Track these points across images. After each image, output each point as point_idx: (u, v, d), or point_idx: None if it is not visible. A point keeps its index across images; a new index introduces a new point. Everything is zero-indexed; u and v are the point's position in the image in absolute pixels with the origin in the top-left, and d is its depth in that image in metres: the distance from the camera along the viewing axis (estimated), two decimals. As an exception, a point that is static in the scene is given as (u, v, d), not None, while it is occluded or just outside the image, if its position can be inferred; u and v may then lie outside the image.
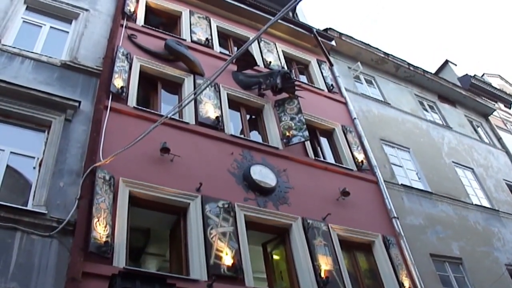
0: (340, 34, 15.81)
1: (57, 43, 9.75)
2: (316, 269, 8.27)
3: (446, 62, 23.20)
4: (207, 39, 12.12)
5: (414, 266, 9.68)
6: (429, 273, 10.18)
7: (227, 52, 12.63)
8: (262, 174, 9.31)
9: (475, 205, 13.54)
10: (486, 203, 14.15)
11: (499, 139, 18.77)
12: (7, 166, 7.23)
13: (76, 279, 5.97)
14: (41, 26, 10.01)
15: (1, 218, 6.27)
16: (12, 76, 8.18)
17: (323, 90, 13.35)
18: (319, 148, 11.64)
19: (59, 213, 6.70)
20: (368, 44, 16.34)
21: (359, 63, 15.56)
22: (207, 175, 8.60)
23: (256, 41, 13.01)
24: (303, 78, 13.84)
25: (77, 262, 6.16)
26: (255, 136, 10.82)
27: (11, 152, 7.38)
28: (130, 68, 9.74)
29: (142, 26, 11.33)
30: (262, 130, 11.04)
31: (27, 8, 10.16)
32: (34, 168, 7.36)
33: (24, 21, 9.88)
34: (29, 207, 6.71)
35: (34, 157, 7.50)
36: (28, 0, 10.18)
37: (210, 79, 6.89)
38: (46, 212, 6.62)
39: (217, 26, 13.12)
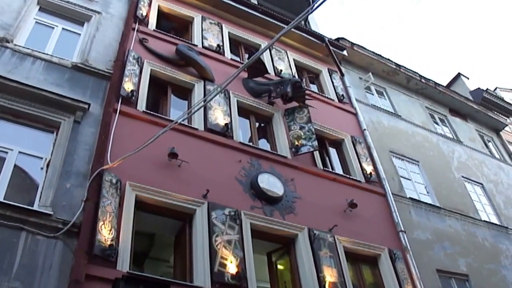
0: (352, 44, 15.74)
1: (68, 44, 9.79)
2: (320, 280, 8.18)
3: (458, 75, 23.05)
4: (218, 45, 12.11)
5: (420, 281, 9.54)
6: (435, 288, 10.05)
7: (238, 59, 12.62)
8: (270, 183, 9.25)
9: (484, 221, 13.37)
10: (495, 220, 13.97)
11: (510, 154, 18.55)
12: (15, 165, 7.23)
13: (79, 281, 5.93)
14: (53, 28, 10.07)
15: (7, 217, 6.27)
16: (23, 76, 8.23)
17: (333, 100, 13.29)
18: (327, 159, 11.56)
19: (64, 215, 6.69)
20: (380, 55, 16.26)
21: (370, 74, 15.47)
22: (214, 182, 8.56)
23: (267, 49, 12.98)
24: (313, 87, 13.80)
25: (81, 264, 6.13)
26: (263, 144, 10.77)
27: (19, 152, 7.39)
28: (140, 72, 9.74)
29: (154, 30, 11.35)
30: (271, 138, 10.98)
31: (40, 9, 10.24)
32: (41, 168, 7.36)
33: (36, 22, 9.96)
34: (35, 207, 6.70)
35: (42, 158, 7.51)
36: (41, 1, 10.25)
37: (221, 85, 6.87)
38: (51, 213, 6.61)
39: (228, 32, 13.12)
